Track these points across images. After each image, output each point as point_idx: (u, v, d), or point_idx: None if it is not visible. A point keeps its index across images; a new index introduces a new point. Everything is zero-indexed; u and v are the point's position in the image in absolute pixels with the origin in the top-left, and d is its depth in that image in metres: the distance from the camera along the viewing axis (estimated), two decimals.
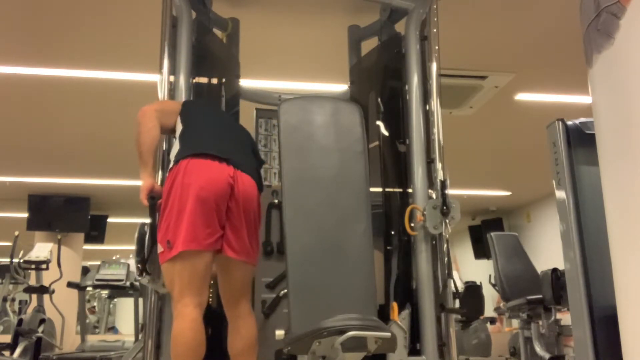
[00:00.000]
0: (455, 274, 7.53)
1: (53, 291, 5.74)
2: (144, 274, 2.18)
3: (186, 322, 1.97)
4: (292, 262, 1.94)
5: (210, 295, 2.55)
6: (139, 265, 2.18)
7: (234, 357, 2.17)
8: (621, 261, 1.71)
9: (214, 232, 2.03)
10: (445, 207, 2.42)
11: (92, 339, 6.44)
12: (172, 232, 2.01)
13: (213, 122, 2.29)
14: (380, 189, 2.83)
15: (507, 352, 5.96)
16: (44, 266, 5.62)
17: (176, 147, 2.18)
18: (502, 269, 4.98)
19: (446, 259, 2.49)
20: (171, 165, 2.13)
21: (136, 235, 2.22)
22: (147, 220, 2.25)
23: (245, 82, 3.06)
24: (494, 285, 5.79)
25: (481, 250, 8.54)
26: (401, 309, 2.40)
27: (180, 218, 2.00)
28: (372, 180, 2.33)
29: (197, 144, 2.12)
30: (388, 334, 1.74)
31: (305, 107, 2.17)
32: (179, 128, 2.24)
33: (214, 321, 2.55)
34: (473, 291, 6.21)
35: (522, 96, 4.60)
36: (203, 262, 2.02)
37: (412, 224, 2.50)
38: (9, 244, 5.75)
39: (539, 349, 4.42)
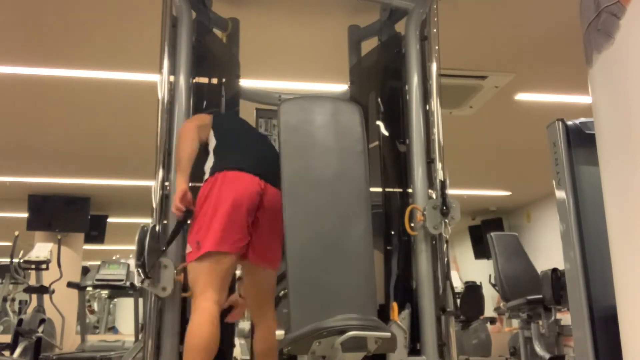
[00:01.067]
0: (455, 274, 7.55)
1: (53, 291, 5.74)
2: (143, 278, 2.19)
3: (205, 315, 2.07)
4: (292, 262, 1.94)
5: None
6: (140, 270, 2.19)
7: (256, 358, 2.33)
8: (621, 261, 1.71)
9: (242, 238, 2.18)
10: (445, 207, 2.42)
11: (92, 339, 6.44)
12: (203, 234, 2.15)
13: (244, 138, 2.46)
14: (380, 189, 2.83)
15: (507, 352, 5.96)
16: (44, 266, 5.62)
17: (211, 160, 2.33)
18: (502, 269, 4.99)
19: (445, 259, 2.49)
20: (206, 176, 2.29)
21: (137, 238, 2.22)
22: (149, 223, 2.29)
23: (245, 82, 3.06)
24: (494, 285, 5.79)
25: (481, 250, 8.55)
26: (401, 309, 2.40)
27: (212, 222, 2.15)
28: (372, 180, 2.33)
29: (232, 160, 2.28)
30: (388, 334, 1.74)
31: (306, 107, 2.17)
32: (212, 142, 2.39)
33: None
34: (473, 291, 6.22)
35: (522, 96, 4.60)
36: (228, 263, 2.17)
37: (412, 224, 2.50)
38: (9, 244, 5.76)
39: (539, 349, 4.42)
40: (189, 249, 2.18)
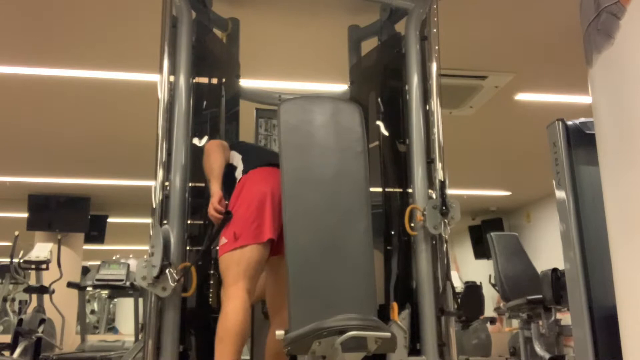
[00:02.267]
0: (455, 274, 7.55)
1: (53, 291, 5.74)
2: (174, 279, 2.20)
3: (238, 302, 2.09)
4: (292, 262, 1.94)
5: (210, 295, 2.55)
6: (170, 270, 2.19)
7: (271, 357, 2.29)
8: (621, 261, 1.71)
9: (277, 228, 2.18)
10: (444, 207, 2.42)
11: (92, 339, 6.44)
12: (239, 226, 2.18)
13: (263, 149, 2.83)
14: (380, 189, 2.83)
15: (507, 352, 5.96)
16: (44, 266, 5.62)
17: (240, 167, 2.43)
18: (502, 269, 4.99)
19: (445, 259, 2.49)
20: (239, 177, 2.37)
21: (160, 240, 2.21)
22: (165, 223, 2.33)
23: (245, 82, 3.06)
24: (494, 285, 5.79)
25: (481, 250, 8.55)
26: (401, 309, 2.40)
27: (249, 214, 2.18)
28: (372, 180, 2.33)
29: (260, 160, 2.39)
30: (388, 334, 1.74)
31: (306, 107, 2.17)
32: (237, 157, 2.49)
33: (214, 321, 2.55)
34: (473, 291, 6.22)
35: (522, 96, 4.60)
36: (262, 253, 2.19)
37: (412, 224, 2.50)
38: (9, 244, 5.76)
39: (539, 349, 4.42)
40: (223, 240, 2.21)
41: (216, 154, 2.42)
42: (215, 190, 2.31)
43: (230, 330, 2.04)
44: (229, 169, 2.46)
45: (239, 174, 2.40)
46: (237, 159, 2.49)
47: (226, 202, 2.32)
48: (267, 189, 2.21)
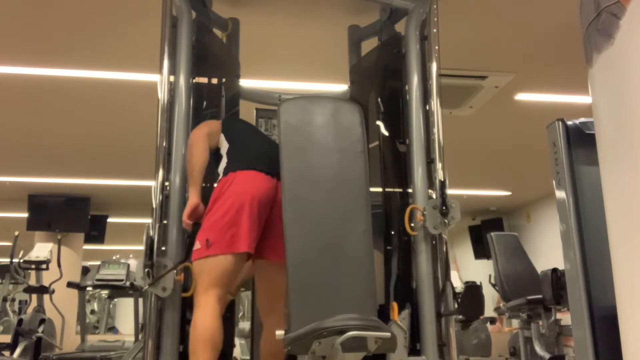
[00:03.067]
0: (455, 274, 7.54)
1: (53, 291, 5.74)
2: (149, 279, 2.19)
3: (208, 310, 2.08)
4: (292, 262, 1.94)
5: None
6: (148, 270, 2.19)
7: (267, 357, 2.30)
8: (621, 261, 1.71)
9: (254, 239, 2.16)
10: (444, 207, 2.42)
11: (92, 339, 6.44)
12: (215, 233, 2.13)
13: (254, 138, 2.48)
14: (380, 189, 2.83)
15: (507, 352, 5.96)
16: (44, 266, 5.62)
17: (224, 162, 2.33)
18: (502, 269, 4.98)
19: (445, 260, 2.49)
20: (220, 177, 2.28)
21: (144, 238, 2.22)
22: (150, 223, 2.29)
23: (245, 82, 3.06)
24: (494, 285, 5.79)
25: (481, 250, 8.55)
26: (401, 309, 2.40)
27: (229, 221, 2.13)
28: (372, 180, 2.33)
29: (245, 160, 2.28)
30: (388, 334, 1.74)
31: (306, 107, 2.17)
32: (225, 145, 2.39)
33: None
34: (473, 291, 6.21)
35: (522, 96, 4.60)
36: (236, 263, 2.17)
37: (412, 224, 2.50)
38: (9, 244, 5.76)
39: (539, 349, 4.42)
40: (197, 245, 2.17)
41: (197, 154, 2.32)
42: (191, 197, 2.26)
43: (199, 340, 2.02)
44: (215, 153, 2.40)
45: (221, 168, 2.32)
46: (224, 146, 2.40)
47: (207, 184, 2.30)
48: (246, 198, 2.15)
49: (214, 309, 2.08)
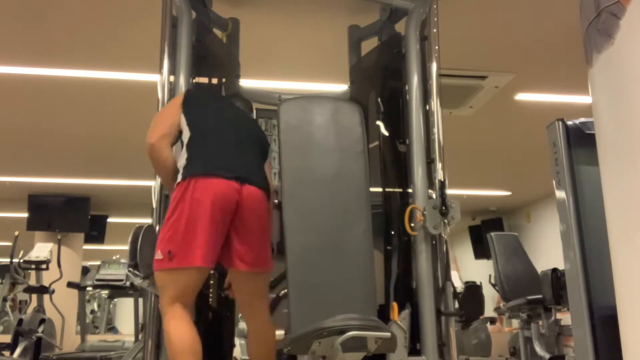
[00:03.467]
0: (455, 274, 7.52)
1: (53, 291, 5.74)
2: (141, 277, 2.19)
3: (180, 322, 2.02)
4: (292, 261, 1.94)
5: (211, 295, 2.55)
6: (131, 270, 2.18)
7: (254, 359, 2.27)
8: (621, 261, 1.71)
9: (216, 248, 2.09)
10: (444, 207, 2.42)
11: (92, 339, 6.44)
12: (176, 244, 2.04)
13: (220, 127, 2.27)
14: (380, 189, 2.83)
15: (507, 352, 5.95)
16: (44, 266, 5.62)
17: (184, 157, 2.17)
18: (502, 269, 4.98)
19: (445, 260, 2.49)
20: (179, 179, 2.13)
21: (130, 238, 2.21)
22: (145, 223, 2.30)
23: (245, 82, 3.06)
24: (494, 285, 5.79)
25: (481, 250, 8.54)
26: (401, 309, 2.40)
27: (187, 233, 2.04)
28: (372, 180, 2.33)
29: (205, 162, 2.13)
30: (388, 334, 1.74)
31: (306, 107, 2.17)
32: (186, 131, 2.22)
33: (214, 322, 2.56)
34: (473, 291, 6.21)
35: (522, 96, 4.60)
36: (199, 276, 2.11)
37: (412, 224, 2.50)
38: (9, 244, 5.76)
39: (539, 349, 4.42)
40: (159, 255, 2.07)
41: (160, 169, 2.23)
42: None
43: (179, 353, 1.96)
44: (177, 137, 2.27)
45: (181, 164, 2.16)
46: (185, 132, 2.22)
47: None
48: (205, 209, 2.03)
49: (183, 318, 2.03)
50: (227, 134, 2.26)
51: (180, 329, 2.00)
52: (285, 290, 2.55)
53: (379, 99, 2.98)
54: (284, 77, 4.10)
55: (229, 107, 2.46)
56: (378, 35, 3.14)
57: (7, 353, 5.29)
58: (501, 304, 5.90)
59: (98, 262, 6.09)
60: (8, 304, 8.46)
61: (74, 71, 4.03)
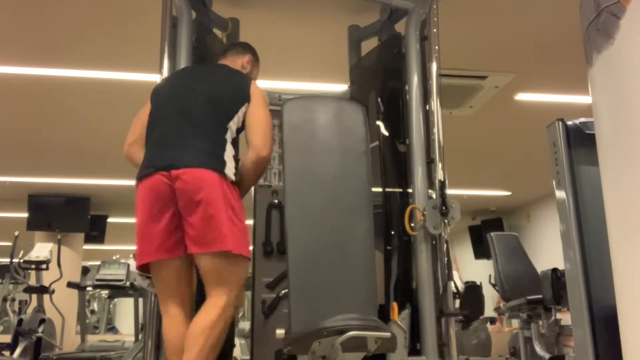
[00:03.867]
0: (455, 274, 7.52)
1: (53, 291, 5.74)
2: (143, 276, 2.20)
3: (168, 318, 2.11)
4: (293, 261, 1.94)
5: None
6: (139, 271, 2.20)
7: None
8: (621, 261, 1.71)
9: (167, 239, 2.07)
10: (444, 207, 2.42)
11: (92, 339, 6.44)
12: (137, 246, 2.13)
13: (165, 111, 2.25)
14: (380, 189, 2.83)
15: (507, 352, 5.96)
16: (44, 266, 5.62)
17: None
18: (502, 269, 4.98)
19: (446, 259, 2.49)
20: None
21: None
22: None
23: None
24: (494, 285, 5.79)
25: (481, 250, 8.55)
26: (401, 309, 2.40)
27: (139, 234, 2.11)
28: (372, 180, 2.33)
29: (143, 164, 2.16)
30: (388, 334, 1.74)
31: (308, 106, 2.17)
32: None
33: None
34: (473, 291, 6.21)
35: (522, 96, 4.60)
36: (166, 269, 2.12)
37: (412, 224, 2.50)
38: (9, 244, 5.76)
39: (539, 349, 4.42)
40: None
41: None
42: None
43: (169, 354, 2.07)
44: None
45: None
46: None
47: None
48: (144, 209, 2.08)
49: (170, 316, 2.10)
50: (169, 117, 2.23)
51: (165, 328, 2.10)
52: (286, 290, 2.56)
53: (379, 99, 2.98)
54: (284, 77, 4.09)
55: (187, 77, 2.38)
56: (378, 35, 3.14)
57: (7, 353, 5.29)
58: (501, 304, 5.90)
59: (98, 262, 6.09)
60: (8, 304, 8.45)
61: (74, 71, 4.03)
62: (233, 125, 2.21)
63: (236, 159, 2.21)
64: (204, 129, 2.17)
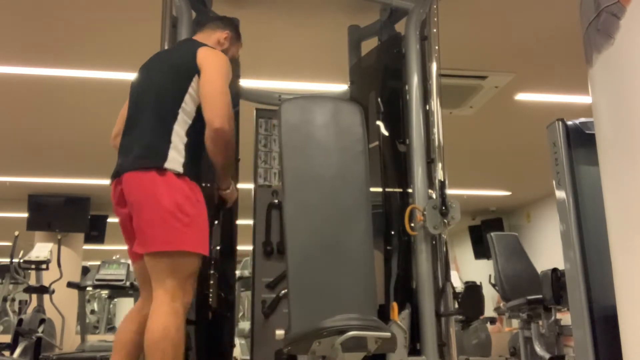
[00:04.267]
0: (455, 274, 7.53)
1: (53, 291, 5.74)
2: None
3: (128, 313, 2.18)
4: (292, 261, 1.94)
5: (211, 295, 2.55)
6: None
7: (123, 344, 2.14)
8: (621, 261, 1.71)
9: (131, 243, 2.13)
10: (444, 207, 2.42)
11: (92, 339, 6.44)
12: None
13: (131, 108, 2.22)
14: (380, 189, 2.83)
15: (507, 352, 5.96)
16: (44, 266, 5.62)
17: None
18: (502, 269, 4.98)
19: (445, 260, 2.49)
20: None
21: None
22: None
23: (245, 82, 3.06)
24: (494, 285, 5.79)
25: (481, 250, 8.55)
26: (401, 309, 2.40)
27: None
28: (372, 180, 2.33)
29: (116, 165, 2.17)
30: (388, 334, 1.74)
31: (306, 106, 2.17)
32: None
33: (214, 322, 2.55)
34: (473, 291, 6.21)
35: (522, 96, 4.60)
36: (135, 268, 2.21)
37: (412, 224, 2.50)
38: (9, 244, 5.76)
39: (539, 349, 4.42)
40: None
41: None
42: None
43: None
44: None
45: None
46: None
47: None
48: (120, 215, 2.13)
49: (131, 312, 2.18)
50: (129, 116, 2.22)
51: (121, 323, 2.18)
52: (285, 290, 2.56)
53: (379, 99, 2.98)
54: (284, 77, 4.10)
55: (146, 68, 2.28)
56: (378, 35, 3.14)
57: (7, 353, 5.29)
58: (501, 304, 5.90)
59: (98, 262, 6.09)
60: (8, 304, 8.46)
61: (74, 71, 4.03)
62: (187, 106, 2.10)
63: (194, 144, 2.10)
64: (148, 124, 2.10)
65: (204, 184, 2.24)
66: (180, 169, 2.02)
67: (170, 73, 2.15)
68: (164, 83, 2.14)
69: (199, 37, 2.37)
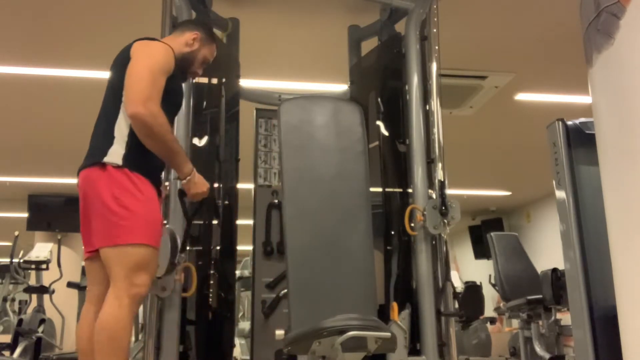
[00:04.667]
0: (455, 274, 7.52)
1: (53, 291, 5.74)
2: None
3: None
4: (292, 261, 1.94)
5: (211, 295, 2.55)
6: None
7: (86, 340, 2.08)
8: (621, 261, 1.71)
9: (86, 242, 2.17)
10: (444, 207, 2.42)
11: None
12: None
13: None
14: (380, 189, 2.83)
15: (507, 352, 5.95)
16: (44, 266, 5.62)
17: None
18: (502, 269, 4.98)
19: (445, 260, 2.49)
20: None
21: (169, 238, 2.24)
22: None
23: (245, 82, 3.06)
24: (494, 285, 5.79)
25: (481, 250, 8.55)
26: (401, 309, 2.40)
27: None
28: (372, 180, 2.33)
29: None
30: (388, 334, 1.74)
31: (306, 106, 2.17)
32: None
33: (214, 322, 2.56)
34: (473, 291, 6.21)
35: (522, 96, 4.60)
36: (88, 265, 2.22)
37: (412, 224, 2.50)
38: (9, 244, 5.75)
39: (539, 349, 4.42)
40: None
41: None
42: None
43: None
44: None
45: None
46: None
47: None
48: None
49: (85, 307, 2.12)
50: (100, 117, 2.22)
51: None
52: (285, 290, 2.56)
53: (379, 99, 2.98)
54: (284, 77, 4.09)
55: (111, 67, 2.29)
56: (378, 35, 3.14)
57: (7, 353, 5.29)
58: (501, 304, 5.90)
59: None
60: (8, 304, 8.45)
61: (74, 71, 4.03)
62: None
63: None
64: (99, 122, 2.17)
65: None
66: (120, 161, 2.02)
67: (115, 71, 2.21)
68: (111, 80, 2.22)
69: (167, 38, 2.35)
